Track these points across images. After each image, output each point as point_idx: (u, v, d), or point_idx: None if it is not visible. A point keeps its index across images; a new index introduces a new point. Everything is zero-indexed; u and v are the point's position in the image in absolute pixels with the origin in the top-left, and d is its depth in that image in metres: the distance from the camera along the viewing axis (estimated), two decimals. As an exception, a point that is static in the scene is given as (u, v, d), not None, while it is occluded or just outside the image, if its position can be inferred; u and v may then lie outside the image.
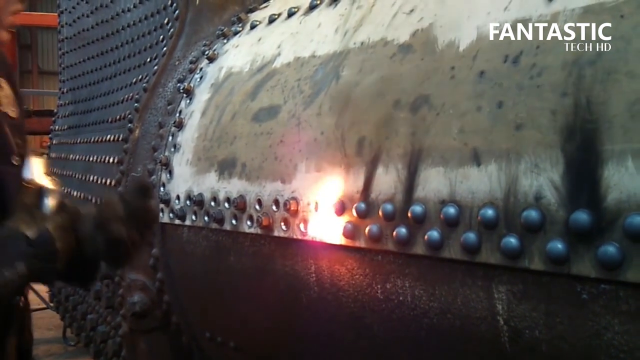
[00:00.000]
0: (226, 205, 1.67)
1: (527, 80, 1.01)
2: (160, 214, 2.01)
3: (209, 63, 2.11)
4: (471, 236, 1.04)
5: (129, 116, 2.38)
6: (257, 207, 1.56)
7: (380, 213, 1.20)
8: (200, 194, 1.79)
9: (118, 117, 2.55)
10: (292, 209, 1.42)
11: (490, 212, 1.01)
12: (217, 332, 1.88)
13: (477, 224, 1.03)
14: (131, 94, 2.57)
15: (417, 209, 1.13)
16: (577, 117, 0.92)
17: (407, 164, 1.18)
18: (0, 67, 1.35)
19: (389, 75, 1.29)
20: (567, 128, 0.93)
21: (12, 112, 1.31)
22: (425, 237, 1.11)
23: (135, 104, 2.35)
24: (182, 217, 1.88)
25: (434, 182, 1.12)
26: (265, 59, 1.78)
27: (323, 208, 1.35)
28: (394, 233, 1.17)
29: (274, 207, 1.50)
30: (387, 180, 1.21)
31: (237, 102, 1.77)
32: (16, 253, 1.00)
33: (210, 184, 1.76)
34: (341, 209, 1.30)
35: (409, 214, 1.14)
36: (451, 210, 1.07)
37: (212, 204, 1.74)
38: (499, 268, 1.01)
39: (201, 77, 2.07)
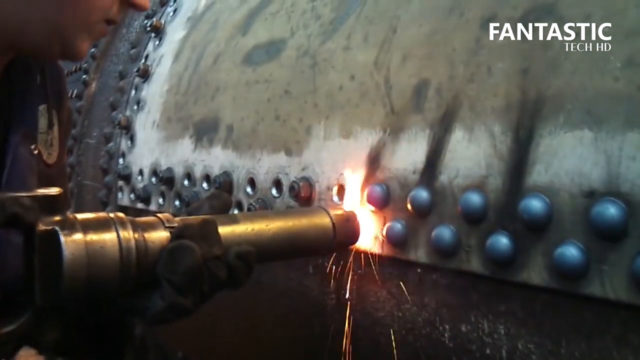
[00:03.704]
0: (205, 185, 1.17)
1: None
2: (119, 194, 1.51)
3: (187, -8, 1.58)
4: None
5: (84, 65, 1.84)
6: (249, 189, 1.06)
7: (457, 209, 0.71)
8: (170, 169, 1.28)
9: (72, 68, 2.00)
10: (302, 194, 0.92)
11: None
12: (193, 353, 1.40)
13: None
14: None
15: (535, 205, 0.63)
16: None
17: (511, 125, 0.68)
18: (54, 95, 1.00)
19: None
20: None
21: (48, 156, 1.00)
22: (555, 253, 0.62)
23: (92, 49, 1.81)
24: (146, 200, 1.37)
25: (571, 158, 0.62)
26: (262, -21, 1.26)
27: (353, 195, 0.85)
28: (486, 244, 0.68)
29: (274, 191, 1.00)
30: (471, 154, 0.71)
31: (221, 39, 1.25)
32: None
33: (183, 155, 1.25)
34: (384, 198, 0.81)
35: (520, 212, 0.65)
36: (611, 210, 0.58)
37: (186, 182, 1.24)
38: None
39: (175, 11, 1.54)
